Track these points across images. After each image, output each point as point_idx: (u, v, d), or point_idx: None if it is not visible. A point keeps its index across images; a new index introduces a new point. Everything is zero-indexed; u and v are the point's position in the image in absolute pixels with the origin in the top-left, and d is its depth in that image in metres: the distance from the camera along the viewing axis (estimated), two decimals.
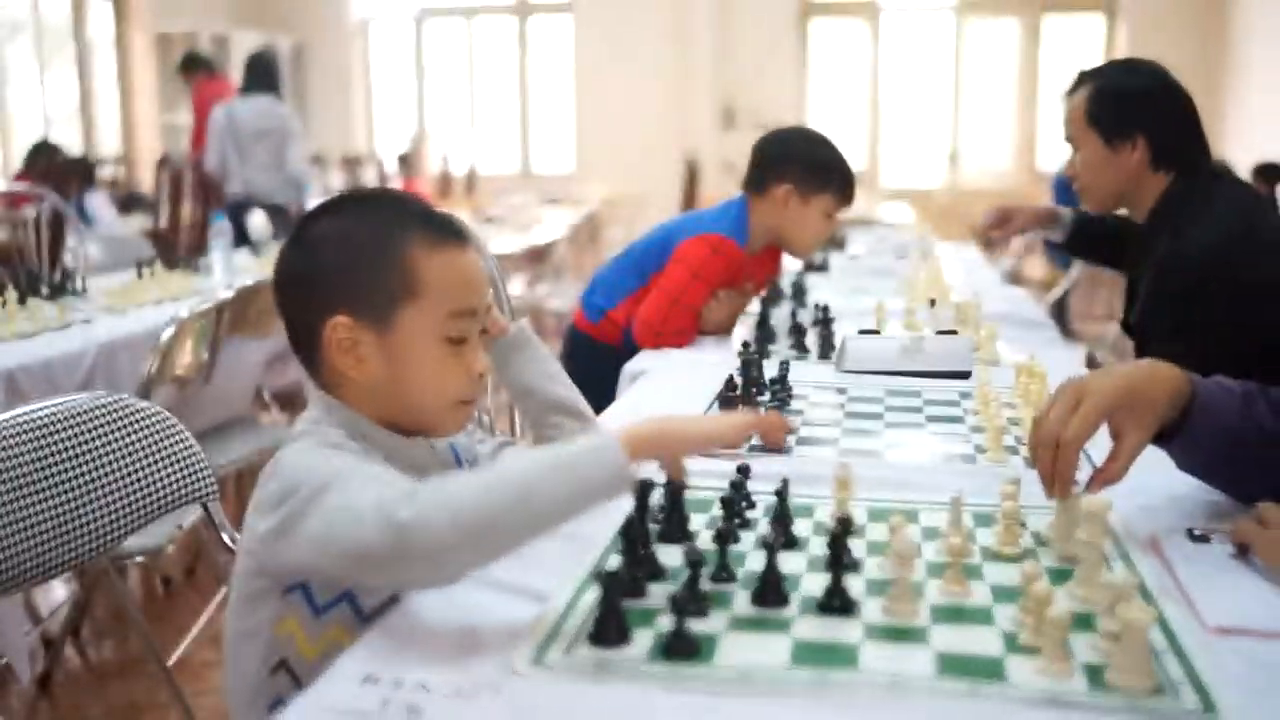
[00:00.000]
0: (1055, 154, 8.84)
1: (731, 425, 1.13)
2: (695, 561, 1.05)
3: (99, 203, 6.72)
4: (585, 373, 2.49)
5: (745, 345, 1.91)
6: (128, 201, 7.98)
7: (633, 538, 1.11)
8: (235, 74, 10.33)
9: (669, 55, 10.95)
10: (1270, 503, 1.19)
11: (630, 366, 2.25)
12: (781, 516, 1.23)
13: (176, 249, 4.76)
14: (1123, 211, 2.35)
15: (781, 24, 11.17)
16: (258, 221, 5.71)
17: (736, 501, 1.29)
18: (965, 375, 2.07)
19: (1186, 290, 2.06)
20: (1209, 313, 2.03)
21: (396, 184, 9.53)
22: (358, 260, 1.16)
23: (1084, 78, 2.29)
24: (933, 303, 2.78)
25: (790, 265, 3.75)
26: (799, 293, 3.05)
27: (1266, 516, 1.17)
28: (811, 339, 2.39)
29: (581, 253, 7.16)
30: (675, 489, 1.27)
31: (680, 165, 10.68)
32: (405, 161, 10.05)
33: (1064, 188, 7.85)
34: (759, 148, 2.56)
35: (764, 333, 2.44)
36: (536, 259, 6.67)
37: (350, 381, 1.18)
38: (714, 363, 2.24)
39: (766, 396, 1.83)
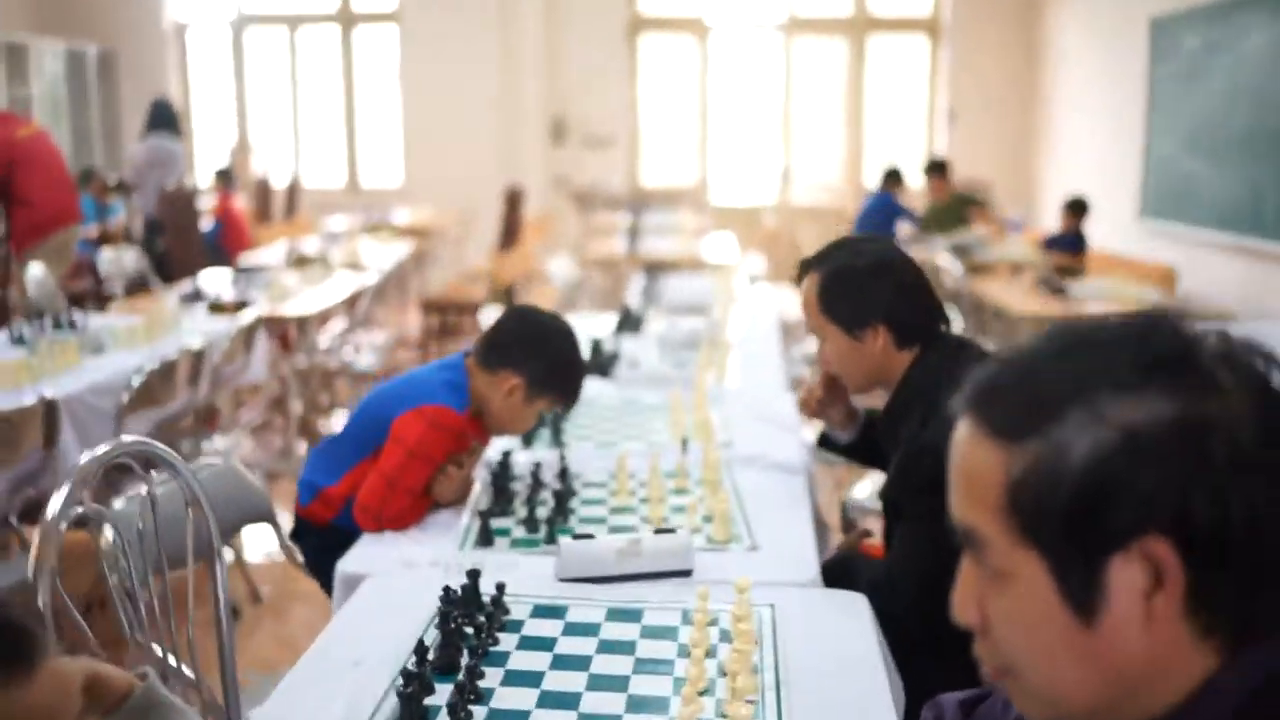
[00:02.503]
0: (878, 171, 8.98)
1: None
2: None
3: None
4: (316, 559, 2.41)
5: (446, 591, 1.81)
6: None
7: None
8: (36, 84, 9.85)
9: (497, 67, 10.77)
10: None
11: (343, 567, 2.13)
12: None
13: None
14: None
15: (611, 38, 11.09)
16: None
17: None
18: (687, 573, 2.03)
19: (931, 483, 2.03)
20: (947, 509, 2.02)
21: (210, 199, 9.14)
22: None
23: (809, 266, 2.25)
24: (685, 443, 2.73)
25: None
26: (556, 422, 2.96)
27: None
28: (545, 508, 2.34)
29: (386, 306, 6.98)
30: None
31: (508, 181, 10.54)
32: (224, 176, 9.63)
33: (876, 209, 8.06)
34: (506, 325, 2.48)
35: (500, 502, 2.37)
36: (348, 305, 6.42)
37: None
38: (431, 561, 2.15)
39: (472, 631, 1.75)
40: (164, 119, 8.36)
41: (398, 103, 11.18)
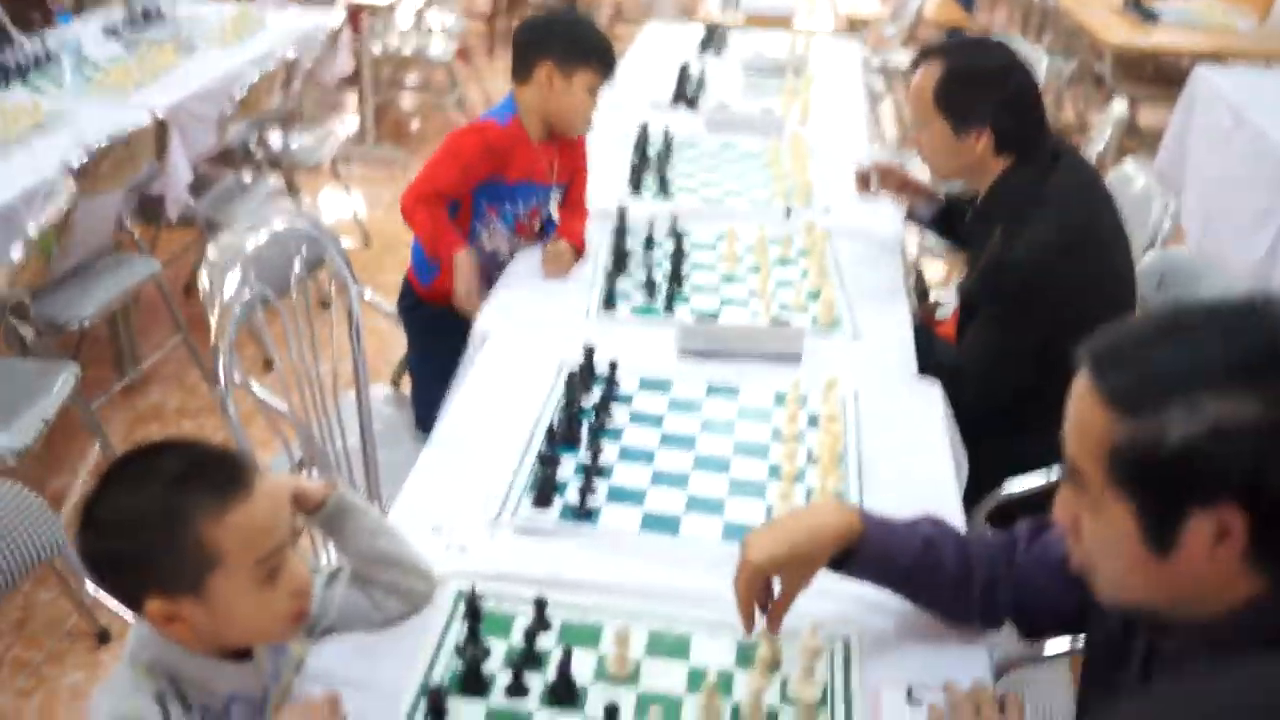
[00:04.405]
0: None
1: None
2: None
3: None
4: (420, 339, 2.69)
5: (570, 377, 2.02)
6: None
7: None
8: None
9: None
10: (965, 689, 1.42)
11: (479, 327, 2.34)
12: (563, 677, 1.41)
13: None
14: None
15: None
16: None
17: (530, 644, 1.47)
18: (796, 359, 2.22)
19: (1010, 295, 2.20)
20: (1026, 318, 2.19)
21: None
22: (151, 546, 1.20)
23: (931, 54, 2.31)
24: (788, 212, 2.87)
25: (656, 105, 3.72)
26: (662, 166, 3.09)
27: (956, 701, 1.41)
28: (661, 275, 2.51)
29: None
30: (471, 634, 1.46)
31: None
32: None
33: None
34: (517, 35, 2.58)
35: (615, 268, 2.53)
36: None
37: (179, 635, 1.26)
38: (556, 317, 2.36)
39: (590, 406, 1.98)
40: None
41: None
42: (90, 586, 1.79)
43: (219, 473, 1.25)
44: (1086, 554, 1.13)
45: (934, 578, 1.51)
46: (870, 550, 1.50)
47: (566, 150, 2.67)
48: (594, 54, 2.54)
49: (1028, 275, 2.16)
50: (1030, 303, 2.17)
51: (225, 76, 3.89)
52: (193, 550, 1.21)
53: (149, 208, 3.67)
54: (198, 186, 3.83)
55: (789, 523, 1.51)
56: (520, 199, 2.60)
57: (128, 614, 1.28)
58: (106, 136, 3.06)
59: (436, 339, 2.50)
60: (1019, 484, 2.16)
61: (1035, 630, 1.55)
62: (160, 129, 3.35)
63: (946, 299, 2.89)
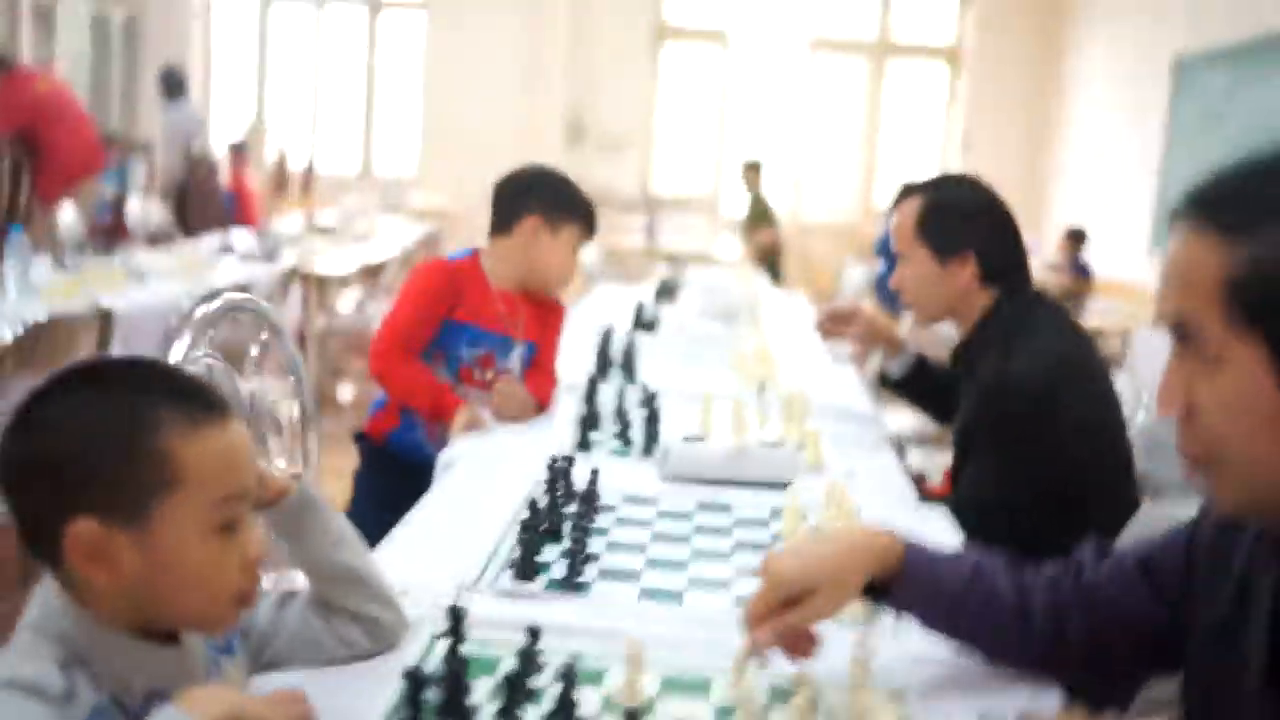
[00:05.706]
0: (891, 193, 9.04)
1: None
2: None
3: None
4: (376, 486, 2.48)
5: (554, 461, 1.84)
6: None
7: None
8: (61, 45, 9.85)
9: (521, 64, 10.83)
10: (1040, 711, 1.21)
11: (444, 456, 2.17)
12: (564, 706, 1.16)
13: None
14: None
15: (636, 43, 11.17)
16: None
17: (524, 671, 1.22)
18: (787, 486, 2.06)
19: (1009, 420, 2.08)
20: (1027, 443, 2.06)
21: (225, 175, 9.08)
22: (101, 450, 0.99)
23: (912, 190, 2.31)
24: (761, 387, 2.78)
25: (619, 324, 3.69)
26: (628, 362, 3.00)
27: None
28: (636, 429, 2.33)
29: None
30: (453, 651, 1.21)
31: None
32: (237, 151, 9.60)
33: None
34: (499, 189, 2.56)
35: (588, 417, 2.38)
36: (369, 276, 6.47)
37: (99, 587, 1.01)
38: (526, 449, 2.19)
39: (571, 511, 1.77)
40: (179, 85, 9.03)
41: (418, 91, 11.22)
42: None
43: (195, 392, 1.06)
44: (1206, 438, 0.97)
45: (989, 604, 1.31)
46: (914, 573, 1.31)
47: (540, 310, 2.58)
48: (581, 209, 2.53)
49: (1035, 393, 2.05)
50: (1035, 427, 2.05)
51: (172, 297, 3.80)
52: (150, 460, 1.00)
53: None
54: None
55: (816, 542, 1.34)
56: (465, 343, 2.46)
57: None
58: (46, 314, 2.92)
59: (383, 474, 2.40)
60: None
61: (1110, 673, 1.33)
62: (104, 322, 3.22)
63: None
